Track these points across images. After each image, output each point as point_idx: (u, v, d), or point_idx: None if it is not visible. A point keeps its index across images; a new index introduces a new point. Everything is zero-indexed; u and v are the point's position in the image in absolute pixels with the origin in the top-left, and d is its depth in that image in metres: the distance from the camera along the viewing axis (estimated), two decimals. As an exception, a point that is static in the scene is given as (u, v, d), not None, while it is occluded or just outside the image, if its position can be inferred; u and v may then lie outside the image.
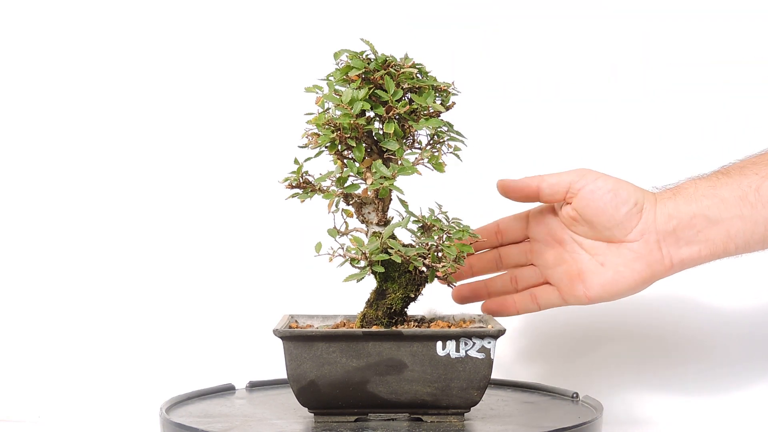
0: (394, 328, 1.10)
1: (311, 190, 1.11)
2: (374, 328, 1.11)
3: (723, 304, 1.39)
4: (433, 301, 1.20)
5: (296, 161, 1.11)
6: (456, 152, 1.13)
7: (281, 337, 1.08)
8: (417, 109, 1.11)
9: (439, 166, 1.12)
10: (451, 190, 1.36)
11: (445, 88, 1.11)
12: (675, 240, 1.18)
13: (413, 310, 1.18)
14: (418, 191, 1.17)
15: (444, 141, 1.13)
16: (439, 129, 1.12)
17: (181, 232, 1.59)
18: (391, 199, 1.13)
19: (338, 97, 1.09)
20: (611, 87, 1.53)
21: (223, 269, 1.57)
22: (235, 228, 1.58)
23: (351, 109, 1.08)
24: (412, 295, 1.12)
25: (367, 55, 1.11)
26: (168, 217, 1.60)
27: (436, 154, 1.12)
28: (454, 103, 1.13)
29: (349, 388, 1.08)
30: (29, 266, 1.60)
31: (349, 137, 1.09)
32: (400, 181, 1.11)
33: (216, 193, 1.59)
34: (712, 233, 1.18)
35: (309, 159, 1.11)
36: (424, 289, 1.13)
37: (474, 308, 1.26)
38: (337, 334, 1.08)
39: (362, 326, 1.12)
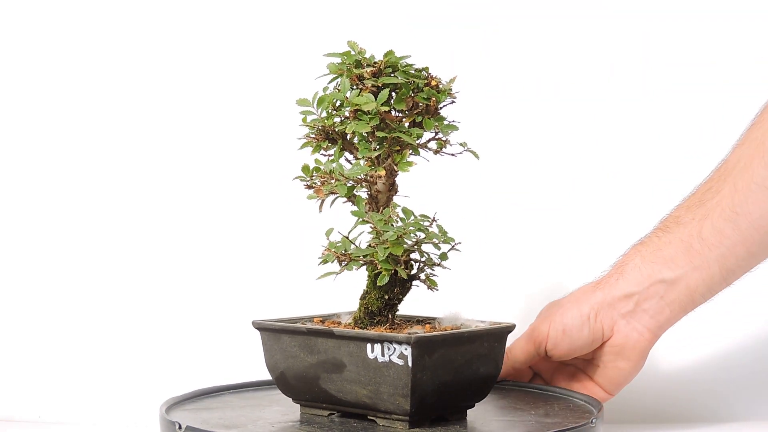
0: (327, 326, 1.10)
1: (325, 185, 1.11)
2: (316, 324, 1.12)
3: (720, 302, 1.38)
4: (459, 304, 1.20)
5: (314, 164, 1.11)
6: (463, 146, 1.12)
7: (257, 329, 1.13)
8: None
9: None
10: (450, 191, 1.36)
11: (436, 83, 1.10)
12: (642, 313, 1.24)
13: (433, 310, 1.19)
14: (417, 193, 1.17)
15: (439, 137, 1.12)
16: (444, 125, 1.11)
17: (182, 233, 1.59)
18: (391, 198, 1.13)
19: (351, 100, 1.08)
20: (611, 87, 1.53)
21: (225, 268, 1.58)
22: (237, 227, 1.58)
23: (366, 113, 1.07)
24: (386, 297, 1.11)
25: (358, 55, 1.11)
26: (169, 217, 1.60)
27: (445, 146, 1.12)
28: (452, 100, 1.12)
29: (308, 383, 1.11)
30: (29, 266, 1.60)
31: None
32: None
33: (216, 193, 1.59)
34: (673, 294, 1.23)
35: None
36: (402, 291, 1.11)
37: (502, 315, 1.28)
38: (293, 330, 1.11)
39: (351, 324, 1.13)
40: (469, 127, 1.16)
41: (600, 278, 1.29)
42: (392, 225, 1.07)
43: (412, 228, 1.07)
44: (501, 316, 1.23)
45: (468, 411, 1.14)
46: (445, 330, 1.11)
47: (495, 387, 1.29)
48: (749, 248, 1.21)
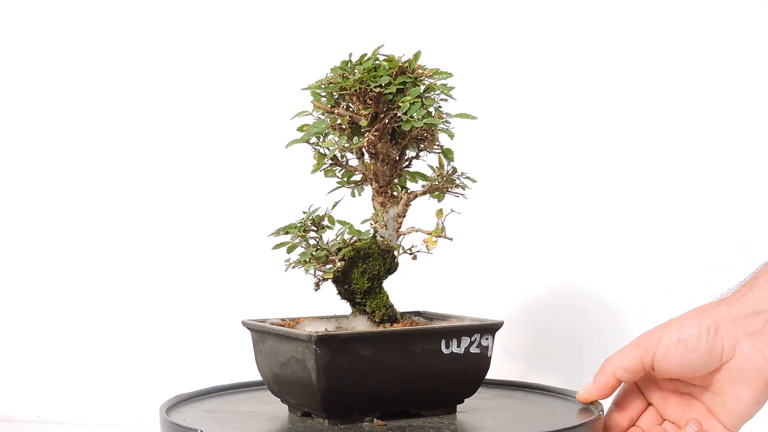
0: (252, 321, 1.14)
1: (341, 168, 1.12)
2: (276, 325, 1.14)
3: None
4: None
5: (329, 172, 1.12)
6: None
7: (248, 329, 1.15)
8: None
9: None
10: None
11: (429, 74, 1.11)
12: None
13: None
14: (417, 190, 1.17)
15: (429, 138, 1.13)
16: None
17: (182, 234, 1.59)
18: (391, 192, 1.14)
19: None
20: (611, 87, 1.53)
21: (225, 269, 1.58)
22: (239, 228, 1.58)
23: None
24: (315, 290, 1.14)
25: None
26: (169, 217, 1.60)
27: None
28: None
29: (276, 382, 1.13)
30: (30, 267, 1.60)
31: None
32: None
33: (217, 194, 1.59)
34: None
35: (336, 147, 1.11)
36: (316, 289, 1.13)
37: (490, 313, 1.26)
38: (261, 330, 1.12)
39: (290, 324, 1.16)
40: (468, 127, 1.16)
41: (727, 294, 1.13)
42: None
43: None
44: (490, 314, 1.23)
45: (461, 407, 1.14)
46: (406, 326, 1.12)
47: (496, 387, 1.29)
48: None
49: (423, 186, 1.14)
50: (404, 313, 1.20)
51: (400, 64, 1.10)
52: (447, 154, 1.12)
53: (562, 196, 1.52)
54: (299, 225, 1.12)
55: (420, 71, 1.10)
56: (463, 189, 1.13)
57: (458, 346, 1.09)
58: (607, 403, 1.15)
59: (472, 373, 1.11)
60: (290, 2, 1.58)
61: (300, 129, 1.12)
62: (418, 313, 1.21)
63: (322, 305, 1.20)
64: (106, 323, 1.58)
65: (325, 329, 1.10)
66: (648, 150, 1.50)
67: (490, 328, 1.11)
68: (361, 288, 1.13)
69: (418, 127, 1.07)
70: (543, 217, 1.52)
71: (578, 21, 1.52)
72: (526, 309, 1.47)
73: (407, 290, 1.22)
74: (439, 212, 1.13)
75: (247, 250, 1.56)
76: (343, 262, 1.11)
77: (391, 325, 1.13)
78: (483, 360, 1.11)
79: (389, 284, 1.15)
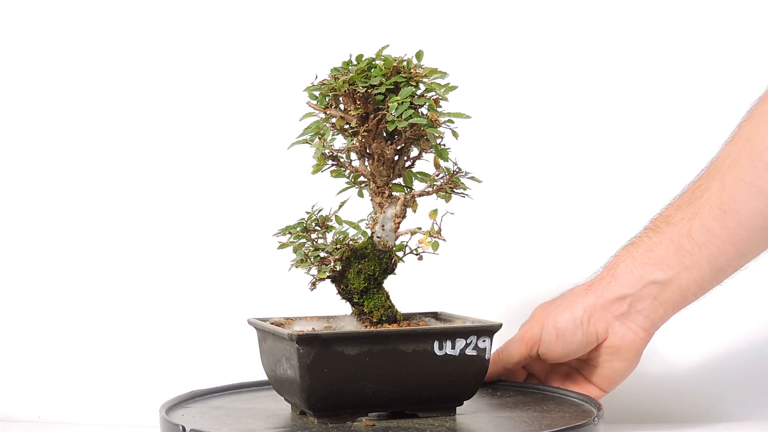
0: (254, 319, 1.16)
1: (339, 166, 1.13)
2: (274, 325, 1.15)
3: (719, 302, 1.39)
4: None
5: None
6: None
7: (254, 327, 1.16)
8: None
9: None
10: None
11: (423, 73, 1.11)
12: (637, 314, 1.24)
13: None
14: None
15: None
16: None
17: (183, 233, 1.59)
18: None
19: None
20: (600, 85, 1.53)
21: (225, 268, 1.58)
22: (241, 228, 1.58)
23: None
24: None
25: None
26: (170, 218, 1.60)
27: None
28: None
29: (277, 381, 1.14)
30: (30, 267, 1.60)
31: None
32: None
33: (218, 194, 1.59)
34: (666, 294, 1.23)
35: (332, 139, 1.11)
36: (311, 289, 1.14)
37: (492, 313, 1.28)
38: (263, 329, 1.14)
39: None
40: (468, 127, 1.16)
41: (591, 280, 1.28)
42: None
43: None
44: (492, 315, 1.23)
45: (460, 409, 1.14)
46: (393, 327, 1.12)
47: (496, 387, 1.29)
48: (738, 247, 1.21)
49: (424, 186, 1.14)
50: (417, 314, 1.20)
51: (395, 64, 1.10)
52: (442, 153, 1.12)
53: (562, 197, 1.53)
54: (298, 225, 1.13)
55: (415, 71, 1.10)
56: (465, 189, 1.13)
57: (453, 347, 1.08)
58: (615, 412, 1.26)
59: (469, 375, 1.11)
60: (300, 3, 1.58)
61: (306, 130, 1.12)
62: (434, 314, 1.21)
63: (332, 304, 1.22)
64: (106, 323, 1.58)
65: (312, 328, 1.10)
66: (648, 150, 1.51)
67: (487, 331, 1.11)
68: (357, 288, 1.14)
69: (403, 127, 1.08)
70: (543, 217, 1.52)
71: (577, 21, 1.52)
72: (525, 309, 1.47)
73: (413, 290, 1.22)
74: (433, 213, 1.13)
75: (252, 248, 1.56)
76: (339, 262, 1.11)
77: (390, 325, 1.13)
78: (480, 362, 1.11)
79: (394, 285, 1.15)
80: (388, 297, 1.15)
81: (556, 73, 1.53)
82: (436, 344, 1.08)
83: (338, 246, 1.12)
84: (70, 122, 1.61)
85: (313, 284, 1.13)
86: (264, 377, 1.21)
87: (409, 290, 1.22)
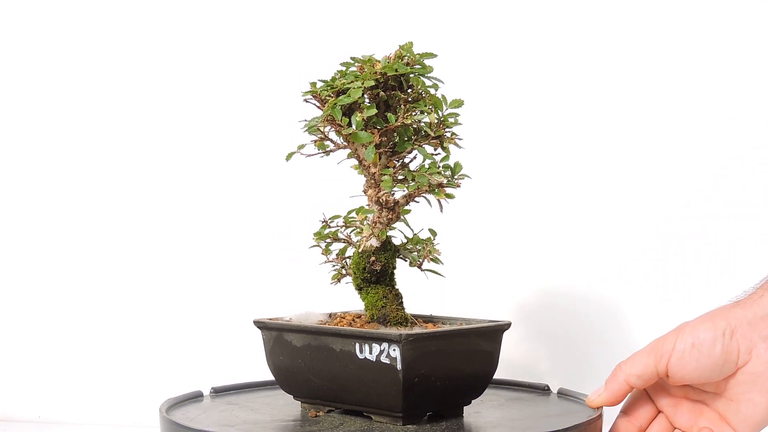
0: (320, 324, 1.15)
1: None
2: (318, 324, 1.16)
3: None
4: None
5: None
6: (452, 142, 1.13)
7: (259, 327, 1.16)
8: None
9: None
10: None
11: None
12: None
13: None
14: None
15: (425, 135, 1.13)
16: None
17: (184, 233, 1.59)
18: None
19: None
20: (611, 87, 1.53)
21: (226, 268, 1.58)
22: (241, 229, 1.58)
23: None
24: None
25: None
26: (170, 219, 1.60)
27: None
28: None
29: (306, 380, 1.14)
30: (30, 267, 1.60)
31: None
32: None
33: (218, 194, 1.59)
34: None
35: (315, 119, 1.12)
36: (333, 284, 1.18)
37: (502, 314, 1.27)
38: (290, 328, 1.14)
39: (342, 322, 1.17)
40: (469, 127, 1.17)
41: (743, 296, 1.10)
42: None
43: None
44: (501, 315, 1.23)
45: (466, 408, 1.14)
46: (436, 328, 1.11)
47: (495, 387, 1.29)
48: None
49: (415, 182, 1.12)
50: (420, 315, 1.20)
51: (377, 70, 1.10)
52: (437, 104, 1.11)
53: (561, 197, 1.53)
54: (325, 232, 1.17)
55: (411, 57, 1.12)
56: (462, 178, 1.13)
57: (370, 352, 1.07)
58: (615, 411, 1.13)
59: (383, 384, 1.07)
60: (309, 3, 1.58)
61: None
62: (429, 317, 1.21)
63: (333, 304, 1.25)
64: (106, 323, 1.58)
65: (286, 319, 1.16)
66: (649, 149, 1.50)
67: (394, 340, 1.05)
68: (356, 286, 1.16)
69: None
70: (544, 217, 1.52)
71: (576, 21, 1.52)
72: (524, 309, 1.47)
73: (417, 291, 1.22)
74: (431, 238, 1.16)
75: (252, 248, 1.56)
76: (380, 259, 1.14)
77: (385, 325, 1.13)
78: (392, 372, 1.06)
79: (404, 285, 1.16)
80: (382, 297, 1.15)
81: (562, 70, 1.53)
82: (357, 346, 1.08)
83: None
84: (78, 125, 1.61)
85: (337, 279, 1.18)
86: (263, 378, 1.21)
87: (418, 291, 1.22)
